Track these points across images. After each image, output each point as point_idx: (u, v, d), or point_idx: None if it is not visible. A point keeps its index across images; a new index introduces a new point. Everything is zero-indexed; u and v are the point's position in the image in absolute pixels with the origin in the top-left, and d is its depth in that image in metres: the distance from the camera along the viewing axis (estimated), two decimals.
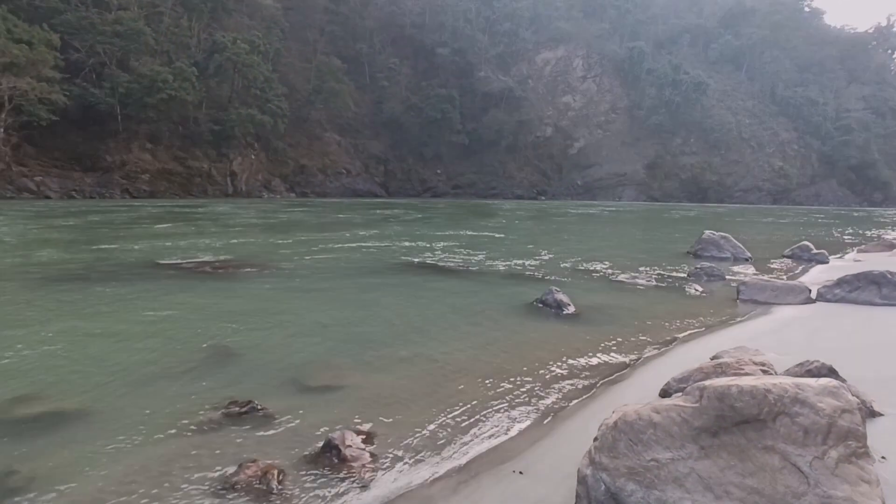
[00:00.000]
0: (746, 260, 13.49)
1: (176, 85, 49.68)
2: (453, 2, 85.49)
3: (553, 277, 10.11)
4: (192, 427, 3.77)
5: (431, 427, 3.84)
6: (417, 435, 3.72)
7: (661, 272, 11.00)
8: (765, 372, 3.91)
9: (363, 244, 15.26)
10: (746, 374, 3.71)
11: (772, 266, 12.65)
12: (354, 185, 68.41)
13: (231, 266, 10.61)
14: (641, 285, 9.57)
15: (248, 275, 9.86)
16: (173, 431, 3.71)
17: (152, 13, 54.31)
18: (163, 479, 3.13)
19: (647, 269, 11.41)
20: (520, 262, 12.12)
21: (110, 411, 4.01)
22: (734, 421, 2.55)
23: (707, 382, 2.72)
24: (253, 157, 59.66)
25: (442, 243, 15.73)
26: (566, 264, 11.91)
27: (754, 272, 11.49)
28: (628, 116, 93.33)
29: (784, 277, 10.73)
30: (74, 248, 13.09)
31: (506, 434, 3.78)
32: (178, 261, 11.03)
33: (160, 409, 4.05)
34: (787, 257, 14.08)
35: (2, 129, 43.55)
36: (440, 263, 11.63)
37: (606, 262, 12.22)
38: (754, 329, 6.56)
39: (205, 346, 5.54)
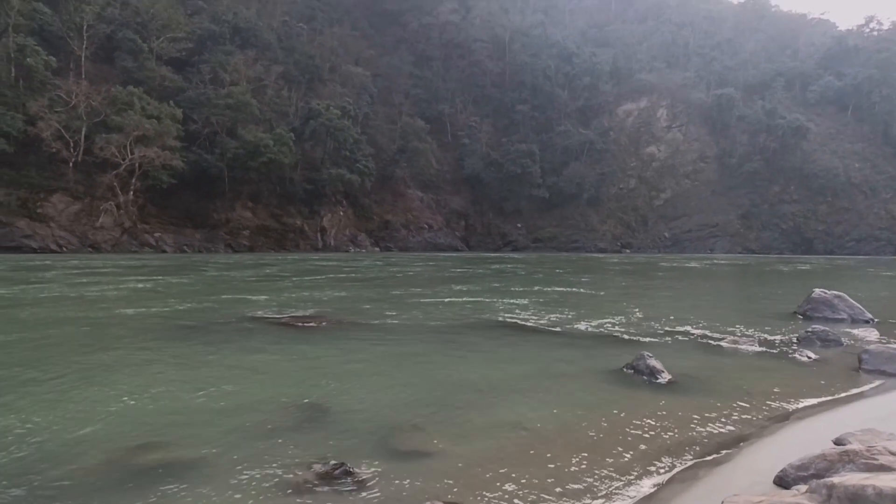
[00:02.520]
0: (867, 322, 12.10)
1: (276, 149, 54.43)
2: (532, 60, 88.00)
3: (644, 339, 9.63)
4: (291, 486, 3.91)
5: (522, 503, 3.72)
6: None
7: (766, 336, 10.15)
8: None
9: (448, 300, 15.45)
10: (882, 467, 3.28)
11: None
12: (436, 240, 70.06)
13: (322, 321, 11.11)
14: (744, 351, 8.86)
15: (337, 330, 10.27)
16: (274, 489, 3.86)
17: (258, 87, 60.56)
18: None
19: (749, 331, 10.57)
20: (608, 321, 11.70)
21: (216, 464, 4.26)
22: None
23: (836, 480, 2.45)
24: (341, 213, 63.18)
25: (527, 300, 15.57)
26: (657, 325, 11.32)
27: (879, 337, 10.28)
28: (718, 165, 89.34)
29: None
30: (185, 301, 14.34)
31: None
32: (275, 315, 11.72)
33: (262, 464, 4.25)
34: None
35: (131, 192, 49.57)
36: (526, 322, 11.48)
37: (702, 323, 11.48)
38: (885, 407, 5.82)
39: (298, 402, 5.78)
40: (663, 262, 45.59)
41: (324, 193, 60.39)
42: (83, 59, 51.46)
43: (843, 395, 6.40)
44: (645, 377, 6.87)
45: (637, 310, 13.65)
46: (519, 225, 78.53)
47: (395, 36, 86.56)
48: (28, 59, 45.16)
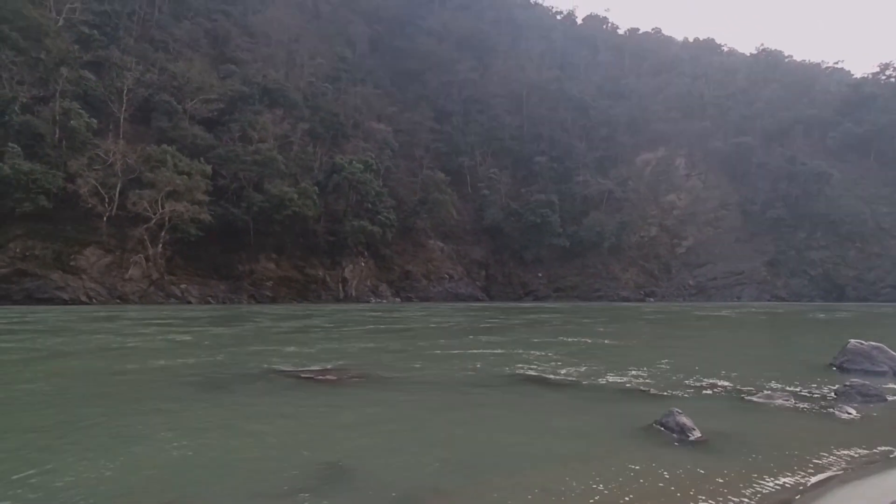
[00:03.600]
0: None
1: (300, 202, 55.91)
2: (549, 114, 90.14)
3: (673, 394, 9.33)
4: None
5: None
6: None
7: (802, 390, 9.74)
8: None
9: (473, 351, 15.28)
10: None
11: None
12: (456, 290, 69.98)
13: (344, 374, 11.06)
14: (778, 406, 8.50)
15: (359, 385, 10.19)
16: None
17: (284, 143, 62.99)
18: None
19: (784, 385, 10.17)
20: (635, 373, 11.39)
21: None
22: None
23: None
24: (363, 264, 63.86)
25: (552, 351, 15.30)
26: (687, 377, 10.98)
27: None
28: (741, 212, 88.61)
29: None
30: (215, 353, 14.45)
31: None
32: (299, 368, 11.71)
33: None
34: None
35: (160, 245, 51.06)
36: (549, 375, 11.26)
37: (734, 376, 11.10)
38: None
39: (317, 462, 5.69)
40: (692, 311, 44.59)
41: (346, 245, 61.32)
42: (122, 120, 54.46)
43: (891, 456, 6.05)
44: (675, 435, 6.62)
45: (665, 361, 13.29)
46: (540, 274, 78.15)
47: (416, 93, 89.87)
48: (72, 122, 48.00)
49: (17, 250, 45.57)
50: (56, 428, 7.03)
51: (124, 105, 54.54)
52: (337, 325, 25.87)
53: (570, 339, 19.39)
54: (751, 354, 16.80)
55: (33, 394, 9.29)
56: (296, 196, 55.93)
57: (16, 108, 48.26)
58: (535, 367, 12.41)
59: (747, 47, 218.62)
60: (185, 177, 49.82)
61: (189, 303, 49.31)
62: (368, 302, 59.33)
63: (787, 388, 9.80)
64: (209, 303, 50.25)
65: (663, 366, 12.64)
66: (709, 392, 9.62)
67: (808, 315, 41.39)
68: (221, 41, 73.32)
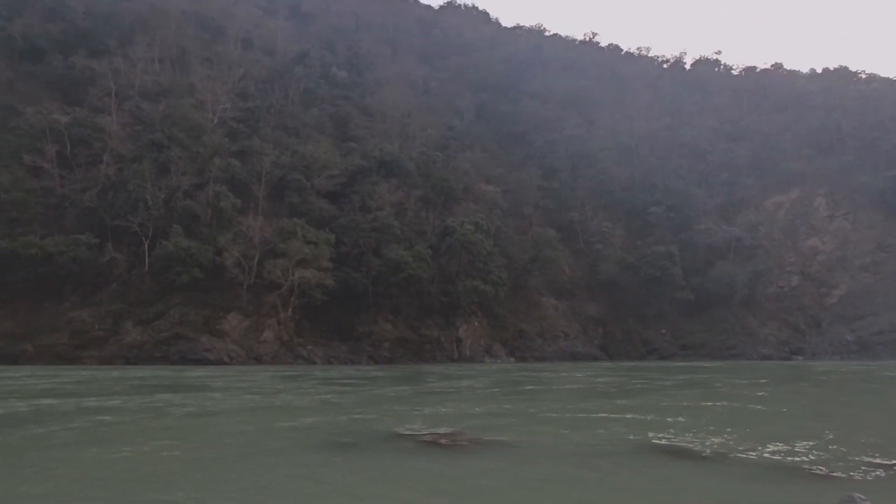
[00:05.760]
0: None
1: (414, 265, 58.05)
2: (662, 163, 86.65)
3: (846, 475, 7.93)
4: None
5: None
6: None
7: None
8: None
9: (602, 416, 14.39)
10: None
11: None
12: (573, 349, 67.12)
13: (464, 439, 10.89)
14: None
15: (482, 450, 9.96)
16: None
17: (399, 210, 66.58)
18: None
19: None
20: (795, 446, 9.92)
21: None
22: None
23: None
24: (476, 323, 63.92)
25: (690, 416, 13.91)
26: (861, 453, 9.31)
27: None
28: None
29: None
30: (346, 412, 15.03)
31: None
32: (417, 431, 11.76)
33: None
34: None
35: (290, 310, 55.48)
36: (690, 446, 10.17)
37: None
38: None
39: None
40: (866, 371, 38.40)
41: (459, 305, 62.04)
42: (260, 198, 61.46)
43: None
44: None
45: (831, 432, 11.44)
46: (663, 331, 72.64)
47: (522, 153, 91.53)
48: (221, 203, 55.16)
49: (176, 317, 52.09)
50: (194, 485, 7.62)
51: (262, 185, 61.73)
52: (462, 385, 25.81)
53: (712, 403, 17.52)
54: None
55: (186, 449, 10.23)
56: (411, 259, 58.27)
57: (179, 195, 56.69)
58: (673, 435, 11.28)
59: (891, 71, 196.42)
60: (312, 246, 54.35)
61: (314, 363, 52.36)
62: (483, 362, 58.80)
63: None
64: (331, 363, 52.95)
65: (831, 436, 10.88)
66: (890, 471, 8.05)
67: None
68: (343, 122, 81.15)
